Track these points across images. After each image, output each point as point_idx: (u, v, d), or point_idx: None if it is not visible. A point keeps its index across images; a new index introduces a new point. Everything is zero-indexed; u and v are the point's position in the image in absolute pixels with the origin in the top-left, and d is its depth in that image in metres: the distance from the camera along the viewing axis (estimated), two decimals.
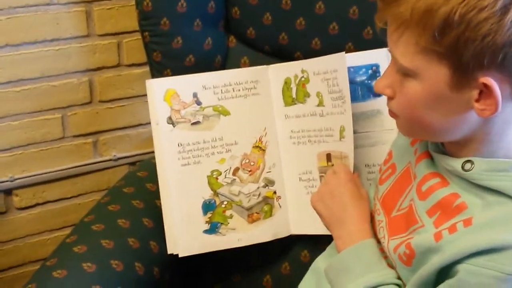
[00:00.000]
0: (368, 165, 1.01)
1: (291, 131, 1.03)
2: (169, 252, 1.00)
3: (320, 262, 0.88)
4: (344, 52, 0.95)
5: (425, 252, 0.70)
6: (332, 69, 0.96)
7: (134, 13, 1.11)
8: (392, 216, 0.79)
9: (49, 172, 1.32)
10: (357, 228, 0.80)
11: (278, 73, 1.03)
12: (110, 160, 1.38)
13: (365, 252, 0.77)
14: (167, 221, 0.99)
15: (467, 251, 0.66)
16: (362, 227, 0.80)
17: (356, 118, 0.99)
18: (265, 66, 1.05)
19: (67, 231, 1.31)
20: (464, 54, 0.62)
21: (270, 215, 1.04)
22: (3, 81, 1.22)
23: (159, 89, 0.99)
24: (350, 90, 0.95)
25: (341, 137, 0.96)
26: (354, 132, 0.97)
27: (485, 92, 0.64)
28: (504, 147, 0.69)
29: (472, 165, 0.69)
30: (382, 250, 0.79)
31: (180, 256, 1.00)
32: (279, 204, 1.04)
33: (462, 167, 0.69)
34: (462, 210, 0.69)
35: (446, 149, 0.74)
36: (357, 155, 0.98)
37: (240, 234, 1.02)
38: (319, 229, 0.92)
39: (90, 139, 1.34)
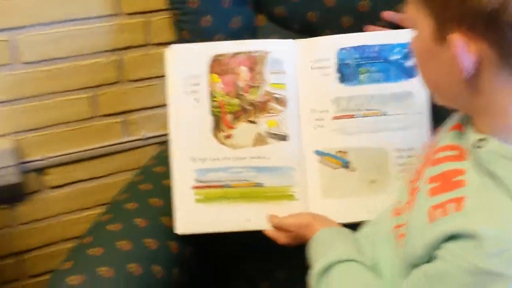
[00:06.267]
0: (398, 150, 0.99)
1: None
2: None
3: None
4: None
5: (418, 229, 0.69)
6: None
7: None
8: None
9: (79, 152, 1.33)
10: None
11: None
12: (139, 139, 1.38)
13: (333, 232, 0.88)
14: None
15: (447, 234, 0.64)
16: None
17: (387, 99, 0.98)
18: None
19: (99, 209, 1.33)
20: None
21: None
22: (32, 60, 1.23)
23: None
24: (383, 69, 0.93)
25: None
26: (384, 114, 0.96)
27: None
28: None
29: (485, 143, 0.66)
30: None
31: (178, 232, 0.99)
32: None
33: (475, 143, 0.67)
34: (458, 187, 0.66)
35: (473, 122, 0.71)
36: (387, 139, 0.97)
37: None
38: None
39: (119, 119, 1.35)
